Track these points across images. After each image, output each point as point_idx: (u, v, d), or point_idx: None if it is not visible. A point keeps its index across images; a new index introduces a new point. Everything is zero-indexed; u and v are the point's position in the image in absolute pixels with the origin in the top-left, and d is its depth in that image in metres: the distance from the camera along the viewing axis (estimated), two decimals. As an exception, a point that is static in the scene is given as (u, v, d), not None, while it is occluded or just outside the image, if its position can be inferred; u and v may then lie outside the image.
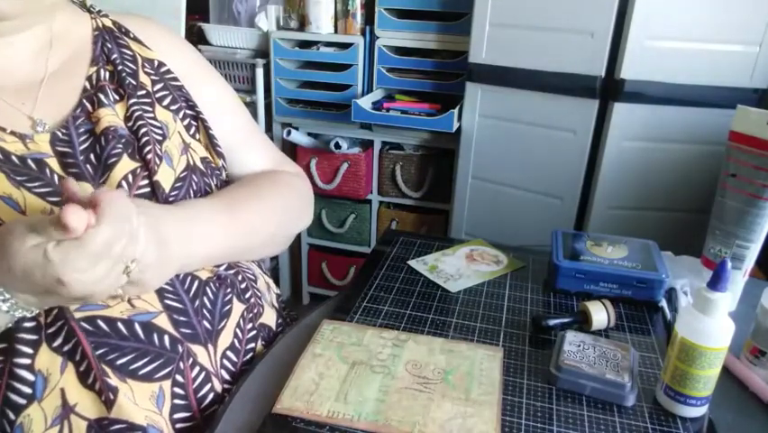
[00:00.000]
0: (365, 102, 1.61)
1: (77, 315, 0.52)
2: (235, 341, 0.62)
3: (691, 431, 0.54)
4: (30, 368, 0.50)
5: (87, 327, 0.52)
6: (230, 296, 0.63)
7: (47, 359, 0.51)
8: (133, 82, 0.64)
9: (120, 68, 0.63)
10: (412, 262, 0.82)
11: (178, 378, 0.55)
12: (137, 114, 0.61)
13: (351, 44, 1.69)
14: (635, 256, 0.76)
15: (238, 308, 0.63)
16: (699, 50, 1.24)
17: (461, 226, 1.62)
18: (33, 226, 0.44)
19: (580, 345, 0.61)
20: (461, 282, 0.77)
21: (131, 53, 0.66)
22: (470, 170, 1.55)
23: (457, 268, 0.80)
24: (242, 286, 0.66)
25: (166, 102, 0.65)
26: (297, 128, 1.78)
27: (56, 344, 0.51)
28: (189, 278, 0.60)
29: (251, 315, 0.65)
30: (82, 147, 0.58)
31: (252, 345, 0.64)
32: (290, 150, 1.83)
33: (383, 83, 1.71)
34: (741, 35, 1.23)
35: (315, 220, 1.92)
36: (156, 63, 0.67)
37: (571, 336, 0.62)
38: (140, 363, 0.53)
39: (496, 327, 0.68)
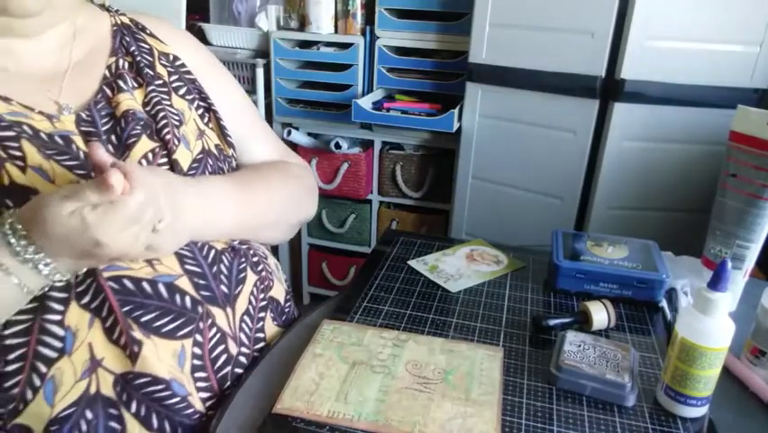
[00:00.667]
0: (365, 102, 1.61)
1: (105, 274, 0.55)
2: (250, 307, 0.65)
3: (692, 431, 0.54)
4: (60, 324, 0.53)
5: (115, 285, 0.55)
6: (244, 265, 0.66)
7: (76, 315, 0.54)
8: (151, 72, 0.67)
9: (138, 58, 0.67)
10: (412, 262, 0.82)
11: (198, 337, 0.58)
12: (155, 99, 0.65)
13: (351, 44, 1.68)
14: (635, 256, 0.76)
15: (251, 277, 0.66)
16: (699, 50, 1.24)
17: (461, 226, 1.62)
18: (68, 195, 0.47)
19: (580, 346, 0.61)
20: (462, 282, 0.77)
21: (147, 47, 0.70)
22: (471, 170, 1.55)
23: (457, 268, 0.80)
24: (254, 259, 0.68)
25: (181, 92, 0.69)
26: (297, 128, 1.78)
27: (84, 301, 0.54)
28: (207, 246, 0.63)
29: (262, 286, 0.68)
30: (104, 128, 0.61)
31: (263, 314, 0.67)
32: (291, 150, 1.82)
33: (383, 83, 1.71)
34: (741, 35, 1.23)
35: (315, 220, 1.93)
36: (171, 57, 0.71)
37: (572, 336, 0.62)
38: (163, 320, 0.56)
39: (496, 327, 0.68)
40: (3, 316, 0.52)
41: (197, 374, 0.58)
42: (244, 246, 0.68)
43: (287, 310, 0.74)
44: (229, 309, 0.62)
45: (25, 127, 0.57)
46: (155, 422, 0.55)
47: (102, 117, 0.62)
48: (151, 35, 0.71)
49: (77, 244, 0.48)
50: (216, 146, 0.70)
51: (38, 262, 0.49)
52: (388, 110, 1.62)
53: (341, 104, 1.73)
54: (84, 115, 0.61)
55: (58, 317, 0.53)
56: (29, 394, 0.52)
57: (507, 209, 1.52)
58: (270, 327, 0.68)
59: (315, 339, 0.63)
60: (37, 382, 0.52)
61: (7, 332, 0.52)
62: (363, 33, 1.68)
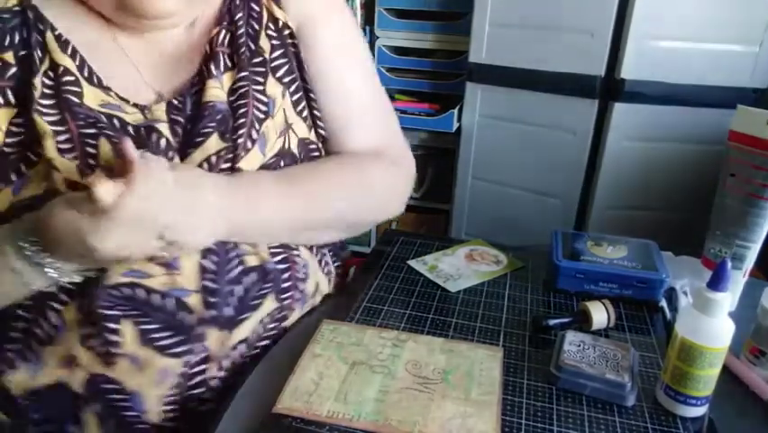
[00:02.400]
0: (365, 102, 1.61)
1: (122, 280, 0.55)
2: (251, 336, 0.61)
3: (691, 431, 0.54)
4: (53, 318, 0.55)
5: (126, 291, 0.55)
6: (266, 291, 0.62)
7: (72, 314, 0.55)
8: (252, 47, 0.63)
9: (241, 30, 0.62)
10: (412, 262, 0.81)
11: (188, 358, 0.57)
12: (243, 88, 0.61)
13: (351, 44, 1.68)
14: (635, 256, 0.76)
15: (269, 305, 0.62)
16: (699, 50, 1.24)
17: (461, 226, 1.62)
18: (71, 202, 0.49)
19: (580, 345, 0.61)
20: (461, 282, 0.77)
21: (257, 10, 0.64)
22: (470, 170, 1.55)
23: (457, 268, 0.80)
24: (285, 285, 0.64)
25: (281, 72, 0.64)
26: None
27: (81, 303, 0.55)
28: (236, 261, 0.60)
29: (279, 315, 0.64)
30: (189, 117, 0.60)
31: (266, 342, 0.64)
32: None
33: (383, 83, 1.69)
34: (741, 35, 1.23)
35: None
36: (281, 23, 0.65)
37: (572, 336, 0.62)
38: (163, 333, 0.56)
39: (496, 327, 0.68)
40: (5, 303, 0.54)
41: (170, 391, 0.57)
42: (282, 266, 0.63)
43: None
44: (226, 332, 0.59)
45: (115, 121, 0.57)
46: (111, 426, 0.56)
47: (192, 104, 0.60)
48: None
49: (76, 249, 0.50)
50: (302, 141, 0.66)
51: (46, 264, 0.51)
52: (387, 110, 1.62)
53: (341, 104, 1.73)
54: (176, 102, 0.60)
55: (54, 314, 0.55)
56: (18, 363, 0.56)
57: (507, 209, 1.53)
58: None
59: (315, 339, 0.63)
60: (30, 356, 0.56)
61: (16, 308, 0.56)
62: (363, 33, 1.68)
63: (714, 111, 1.27)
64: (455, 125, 1.53)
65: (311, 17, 0.66)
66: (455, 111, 1.51)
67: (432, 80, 1.67)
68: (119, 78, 0.60)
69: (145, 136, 0.57)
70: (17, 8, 0.58)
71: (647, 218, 1.39)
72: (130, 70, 0.61)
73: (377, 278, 0.77)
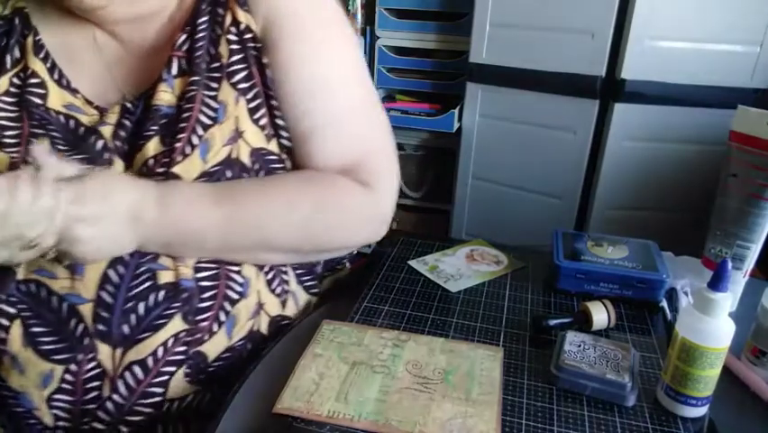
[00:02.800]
0: (365, 102, 1.61)
1: (30, 276, 0.56)
2: (150, 358, 0.57)
3: (692, 431, 0.54)
4: None
5: (29, 287, 0.56)
6: (173, 311, 0.58)
7: None
8: (212, 51, 0.61)
9: (202, 34, 0.61)
10: (412, 263, 0.81)
11: (72, 367, 0.56)
12: (191, 93, 0.59)
13: (351, 44, 1.68)
14: (635, 256, 0.76)
15: (175, 326, 0.58)
16: (699, 50, 1.24)
17: (461, 226, 1.62)
18: None
19: (580, 345, 0.60)
20: (462, 282, 0.77)
21: (221, 14, 0.62)
22: (471, 170, 1.55)
23: (457, 268, 0.80)
24: (203, 305, 0.59)
25: (237, 78, 0.61)
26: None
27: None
28: (146, 275, 0.57)
29: (190, 338, 0.59)
30: (137, 120, 0.60)
31: (173, 368, 0.58)
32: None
33: (383, 83, 1.71)
34: (741, 35, 1.23)
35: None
36: (243, 27, 0.61)
37: (572, 336, 0.62)
38: (48, 339, 0.56)
39: (496, 327, 0.68)
40: None
41: (59, 396, 0.56)
42: (207, 284, 0.59)
43: (213, 367, 0.61)
44: (119, 351, 0.56)
45: (71, 122, 0.59)
46: (6, 420, 0.57)
47: (143, 107, 0.60)
48: None
49: None
50: (257, 151, 0.62)
51: None
52: (388, 110, 1.62)
53: (341, 104, 1.73)
54: (129, 105, 0.60)
55: None
56: None
57: (507, 209, 1.53)
58: (178, 383, 0.59)
59: (315, 339, 0.63)
60: None
61: None
62: (363, 33, 1.68)
63: (714, 111, 1.27)
64: (455, 125, 1.53)
65: (278, 18, 0.62)
66: (455, 111, 1.51)
67: (432, 80, 1.67)
68: (89, 80, 0.62)
69: (85, 139, 0.59)
70: (10, 16, 0.62)
71: (647, 218, 1.39)
72: (102, 72, 0.63)
73: (377, 278, 0.77)
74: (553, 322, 0.67)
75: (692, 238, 0.82)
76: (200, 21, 0.61)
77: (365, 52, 1.70)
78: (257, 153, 0.62)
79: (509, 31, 1.39)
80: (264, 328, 0.65)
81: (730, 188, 0.71)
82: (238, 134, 0.61)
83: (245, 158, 0.61)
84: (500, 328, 0.67)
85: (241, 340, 0.63)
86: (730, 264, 0.52)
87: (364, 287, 0.75)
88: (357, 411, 0.53)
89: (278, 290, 0.66)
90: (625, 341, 0.66)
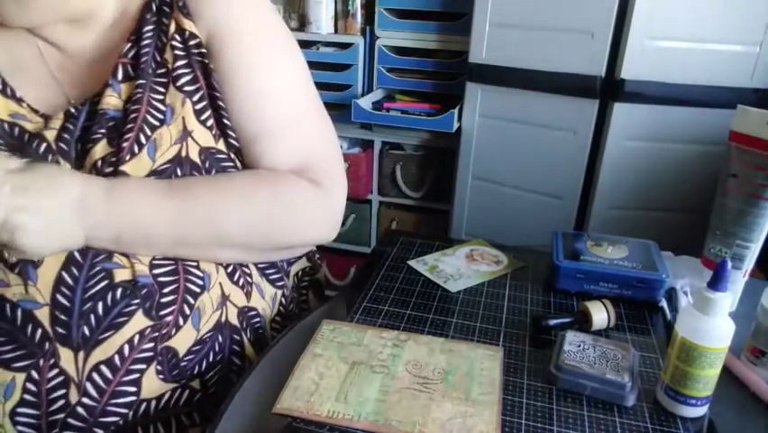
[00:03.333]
0: (365, 102, 1.62)
1: None
2: (116, 357, 0.56)
3: (692, 431, 0.54)
4: None
5: None
6: (133, 308, 0.57)
7: None
8: (158, 58, 0.62)
9: (148, 41, 0.62)
10: (412, 263, 0.81)
11: (34, 375, 0.55)
12: (138, 96, 0.60)
13: (351, 44, 1.69)
14: (635, 256, 0.76)
15: (138, 323, 0.57)
16: (699, 50, 1.24)
17: (461, 226, 1.62)
18: None
19: (580, 345, 0.61)
20: (461, 282, 0.77)
21: (166, 23, 0.63)
22: (471, 170, 1.55)
23: (457, 268, 0.80)
24: (166, 300, 0.59)
25: (182, 81, 0.62)
26: (297, 128, 1.78)
27: None
28: (101, 275, 0.57)
29: (156, 334, 0.58)
30: (83, 126, 0.61)
31: (142, 366, 0.57)
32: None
33: (383, 83, 1.71)
34: (741, 35, 1.23)
35: (315, 220, 1.93)
36: (187, 34, 0.62)
37: (572, 336, 0.62)
38: (4, 348, 0.55)
39: (496, 327, 0.68)
40: None
41: (21, 409, 0.55)
42: (167, 279, 0.59)
43: (185, 361, 0.61)
44: (82, 354, 0.55)
45: (15, 130, 0.60)
46: None
47: (88, 113, 0.61)
48: (179, 6, 0.63)
49: None
50: (206, 150, 0.63)
51: None
52: (388, 110, 1.62)
53: (341, 104, 1.73)
54: (73, 111, 0.61)
55: None
56: None
57: (507, 209, 1.53)
58: (151, 381, 0.58)
59: (315, 339, 0.63)
60: None
61: None
62: (363, 33, 1.68)
63: (714, 111, 1.27)
64: (455, 125, 1.53)
65: (221, 30, 0.63)
66: (455, 111, 1.51)
67: (432, 80, 1.67)
68: (35, 89, 0.63)
69: (30, 143, 0.59)
70: None
71: (647, 218, 1.39)
72: (48, 81, 0.64)
73: (377, 278, 0.77)
74: (552, 322, 0.67)
75: (692, 238, 0.82)
76: (146, 29, 0.62)
77: (365, 52, 1.70)
78: (206, 152, 0.63)
79: (509, 30, 1.39)
80: (234, 319, 0.65)
81: (730, 188, 0.71)
82: (187, 133, 0.62)
83: (195, 156, 0.62)
84: (500, 328, 0.67)
85: (210, 332, 0.62)
86: (730, 264, 0.52)
87: (364, 287, 0.75)
88: (357, 411, 0.53)
89: (242, 281, 0.66)
90: (624, 341, 0.66)
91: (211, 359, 0.63)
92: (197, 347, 0.61)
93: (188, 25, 0.63)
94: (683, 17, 1.22)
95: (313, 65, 1.88)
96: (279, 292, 0.72)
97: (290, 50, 0.69)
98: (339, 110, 1.75)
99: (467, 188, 1.58)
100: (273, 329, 0.71)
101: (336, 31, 1.72)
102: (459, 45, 1.58)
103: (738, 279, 0.73)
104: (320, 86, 1.93)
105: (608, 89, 1.31)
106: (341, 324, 0.66)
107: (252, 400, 0.56)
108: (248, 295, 0.67)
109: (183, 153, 0.61)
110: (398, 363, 0.59)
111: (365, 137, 1.79)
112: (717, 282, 0.52)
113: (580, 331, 0.64)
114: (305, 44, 1.78)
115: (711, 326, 0.52)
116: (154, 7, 0.63)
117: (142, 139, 0.59)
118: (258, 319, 0.68)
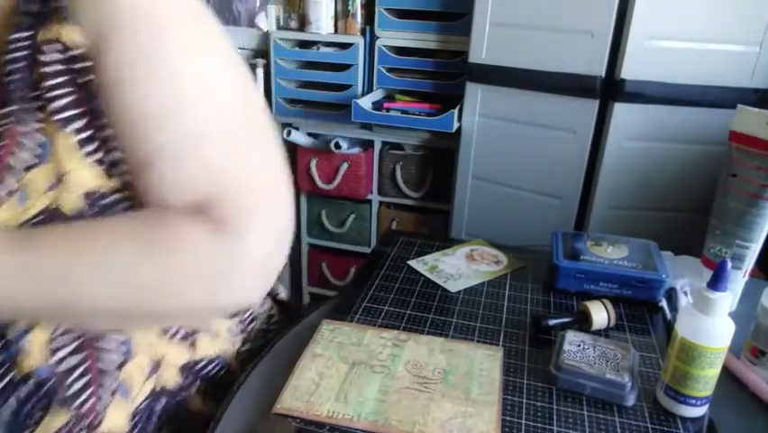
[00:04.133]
0: (365, 102, 1.61)
1: None
2: None
3: (691, 431, 0.54)
4: None
5: None
6: (44, 405, 0.49)
7: None
8: (25, 78, 0.48)
9: (14, 54, 0.48)
10: (412, 263, 0.81)
11: None
12: (4, 128, 0.47)
13: (351, 44, 1.69)
14: (635, 256, 0.76)
15: (57, 420, 0.50)
16: (699, 50, 1.24)
17: (461, 226, 1.62)
18: None
19: (580, 345, 0.61)
20: (461, 282, 0.77)
21: (41, 31, 0.48)
22: (471, 170, 1.55)
23: (457, 268, 0.80)
24: (79, 386, 0.50)
25: (60, 104, 0.48)
26: (297, 128, 1.78)
27: None
28: (3, 369, 0.49)
29: (81, 425, 0.50)
30: None
31: None
32: (290, 150, 1.83)
33: (383, 83, 1.71)
34: (741, 35, 1.23)
35: (314, 220, 1.93)
36: (62, 46, 0.47)
37: (572, 336, 0.62)
38: None
39: (496, 326, 0.68)
40: None
41: None
42: (74, 361, 0.50)
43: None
44: None
45: None
46: None
47: None
48: (54, 5, 0.47)
49: None
50: (91, 194, 0.49)
51: None
52: (388, 110, 1.62)
53: (341, 104, 1.73)
54: None
55: None
56: None
57: (507, 209, 1.53)
58: None
59: (315, 339, 0.63)
60: None
61: None
62: (363, 33, 1.68)
63: (714, 111, 1.27)
64: (455, 125, 1.53)
65: (104, 23, 0.47)
66: (455, 111, 1.51)
67: (432, 80, 1.67)
68: None
69: None
70: None
71: (647, 218, 1.39)
72: None
73: (377, 278, 0.77)
74: (552, 322, 0.67)
75: (692, 238, 0.82)
76: (13, 38, 0.48)
77: (365, 52, 1.70)
78: (92, 197, 0.49)
79: (509, 31, 1.39)
80: (177, 379, 0.56)
81: (730, 188, 0.71)
82: (60, 178, 0.48)
83: (76, 204, 0.49)
84: (500, 328, 0.67)
85: (147, 399, 0.54)
86: (730, 264, 0.52)
87: (364, 287, 0.75)
88: (357, 411, 0.53)
89: (181, 333, 0.56)
90: (624, 341, 0.66)
91: (158, 423, 0.55)
92: (138, 417, 0.54)
93: (67, 32, 0.47)
94: (683, 17, 1.22)
95: (313, 65, 1.88)
96: (237, 318, 0.63)
97: (203, 42, 0.50)
98: (339, 110, 1.74)
99: (467, 188, 1.57)
100: (247, 350, 0.64)
101: (336, 31, 1.72)
102: (459, 45, 1.58)
103: (738, 279, 0.73)
104: (320, 86, 1.93)
105: (608, 89, 1.31)
106: (340, 324, 0.66)
107: (252, 400, 0.56)
108: (193, 345, 0.57)
109: (55, 204, 0.48)
110: (398, 363, 0.59)
111: (365, 137, 1.79)
112: (716, 282, 0.52)
113: (579, 331, 0.64)
114: (305, 44, 1.78)
115: (711, 326, 0.52)
116: (26, 6, 0.48)
117: (12, 184, 0.47)
118: (213, 366, 0.59)
